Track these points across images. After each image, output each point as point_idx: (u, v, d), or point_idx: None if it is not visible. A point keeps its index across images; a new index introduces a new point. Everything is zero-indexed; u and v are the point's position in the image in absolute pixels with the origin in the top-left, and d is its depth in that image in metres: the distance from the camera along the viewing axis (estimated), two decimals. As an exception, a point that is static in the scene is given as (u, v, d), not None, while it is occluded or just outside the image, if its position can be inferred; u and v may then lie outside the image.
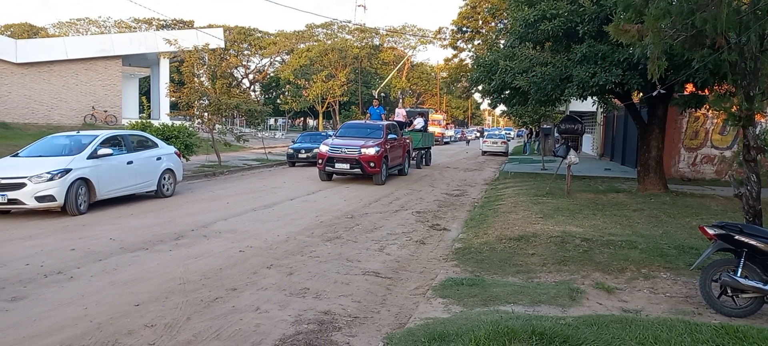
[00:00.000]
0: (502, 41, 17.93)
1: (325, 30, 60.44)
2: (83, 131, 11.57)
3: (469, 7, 37.87)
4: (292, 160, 20.74)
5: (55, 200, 9.22)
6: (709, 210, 10.05)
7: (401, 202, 12.00)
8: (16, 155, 10.57)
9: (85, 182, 9.76)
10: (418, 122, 21.81)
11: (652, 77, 6.09)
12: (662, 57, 5.92)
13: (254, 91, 61.60)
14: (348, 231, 8.61)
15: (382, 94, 52.20)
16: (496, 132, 46.39)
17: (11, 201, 9.06)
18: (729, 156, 15.49)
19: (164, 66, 31.80)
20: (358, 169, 14.69)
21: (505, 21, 23.99)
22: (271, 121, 60.71)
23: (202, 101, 19.53)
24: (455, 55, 43.22)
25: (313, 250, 7.30)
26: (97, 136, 10.67)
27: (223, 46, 37.92)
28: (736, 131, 14.73)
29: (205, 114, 19.55)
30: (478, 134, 61.06)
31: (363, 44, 59.05)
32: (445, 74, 57.23)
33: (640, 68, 10.25)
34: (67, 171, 9.44)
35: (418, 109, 34.23)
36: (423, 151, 21.50)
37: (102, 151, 10.30)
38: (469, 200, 13.02)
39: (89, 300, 5.11)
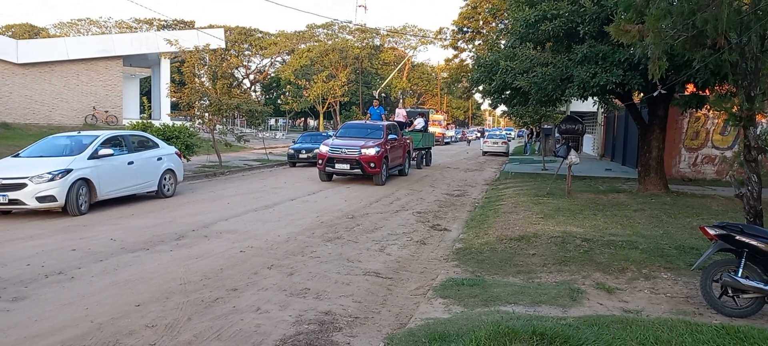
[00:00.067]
0: (503, 41, 17.93)
1: (325, 30, 60.49)
2: (84, 132, 11.58)
3: (469, 7, 37.89)
4: (293, 160, 20.75)
5: (56, 201, 9.22)
6: (710, 210, 10.05)
7: (402, 202, 12.00)
8: (17, 156, 10.58)
9: (85, 182, 9.76)
10: (419, 122, 21.81)
11: (652, 77, 6.09)
12: (663, 57, 5.92)
13: (255, 91, 61.64)
14: (349, 231, 8.61)
15: (383, 94, 52.21)
16: (497, 132, 46.41)
17: (12, 201, 9.06)
18: (730, 156, 15.48)
19: (165, 66, 31.83)
20: (359, 170, 14.69)
21: (506, 21, 24.00)
22: (272, 121, 60.78)
23: (202, 102, 19.54)
24: (456, 56, 43.27)
25: (314, 250, 7.31)
26: (97, 136, 10.68)
27: (223, 46, 37.95)
28: (736, 131, 14.73)
29: (206, 114, 19.56)
30: (479, 135, 61.07)
31: (363, 44, 59.08)
32: (445, 74, 57.29)
33: (640, 68, 10.24)
34: (68, 171, 9.44)
35: (419, 110, 34.23)
36: (423, 152, 21.50)
37: (103, 151, 10.30)
38: (470, 200, 13.02)
39: (90, 300, 5.12)
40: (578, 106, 23.64)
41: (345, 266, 6.58)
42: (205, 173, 16.74)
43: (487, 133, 46.54)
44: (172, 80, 31.52)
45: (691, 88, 11.85)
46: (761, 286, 4.73)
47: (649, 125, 12.67)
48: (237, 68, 57.89)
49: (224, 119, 20.85)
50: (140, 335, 4.33)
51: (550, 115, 25.04)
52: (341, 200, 11.93)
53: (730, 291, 4.87)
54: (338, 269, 6.43)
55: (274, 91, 61.94)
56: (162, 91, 29.60)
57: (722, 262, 5.07)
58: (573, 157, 11.97)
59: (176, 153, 12.75)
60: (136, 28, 56.65)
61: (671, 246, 6.91)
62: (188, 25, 56.18)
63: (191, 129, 17.30)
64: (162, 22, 56.01)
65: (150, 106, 33.11)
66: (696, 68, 8.16)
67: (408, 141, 18.45)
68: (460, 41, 40.68)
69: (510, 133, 58.25)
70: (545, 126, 27.82)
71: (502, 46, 15.51)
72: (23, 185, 9.05)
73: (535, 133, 34.81)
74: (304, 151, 20.44)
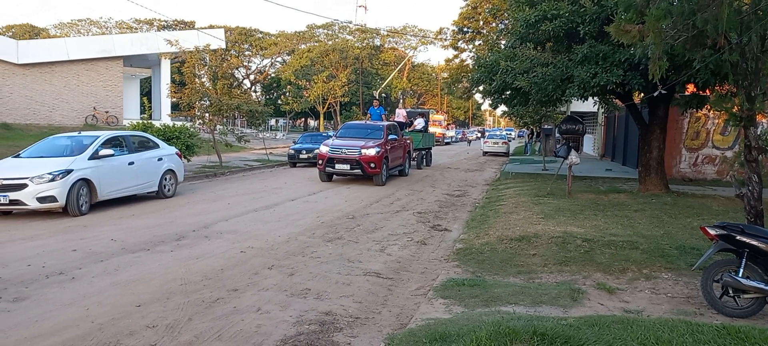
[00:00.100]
0: (503, 42, 17.92)
1: (325, 31, 60.49)
2: (84, 132, 11.59)
3: (469, 7, 37.91)
4: (293, 160, 20.76)
5: (57, 201, 9.23)
6: (711, 210, 10.04)
7: (402, 202, 12.00)
8: (17, 156, 10.59)
9: (86, 182, 9.77)
10: (419, 123, 21.82)
11: (653, 77, 6.09)
12: (663, 57, 5.92)
13: (255, 91, 61.66)
14: (349, 232, 8.61)
15: (383, 94, 52.23)
16: (497, 132, 46.40)
17: (13, 202, 9.07)
18: (730, 156, 15.48)
19: (165, 67, 31.84)
20: (359, 170, 14.68)
21: (506, 21, 24.01)
22: (272, 121, 60.76)
23: (203, 102, 19.54)
24: (456, 56, 43.28)
25: (315, 250, 7.31)
26: (98, 136, 10.68)
27: (224, 46, 37.97)
28: (737, 132, 14.73)
29: (206, 115, 19.57)
30: (479, 135, 61.05)
31: (364, 45, 59.09)
32: (445, 75, 57.32)
33: (641, 69, 10.24)
34: (69, 172, 9.45)
35: (419, 110, 34.24)
36: (424, 152, 21.50)
37: (103, 152, 10.31)
38: (470, 200, 13.02)
39: (91, 301, 5.12)
40: (578, 106, 23.65)
41: (345, 266, 6.58)
42: (205, 173, 16.74)
43: (487, 134, 46.54)
44: (173, 81, 31.51)
45: (691, 88, 11.86)
46: (762, 286, 4.73)
47: (650, 125, 12.66)
48: (237, 69, 57.91)
49: (224, 120, 20.88)
50: (141, 336, 4.33)
51: (550, 115, 25.04)
52: (342, 201, 11.93)
53: (730, 291, 4.87)
54: (339, 269, 6.43)
55: (274, 92, 61.94)
56: (162, 92, 29.61)
57: (723, 262, 5.07)
58: (573, 157, 11.97)
59: (177, 153, 12.76)
60: (136, 29, 56.67)
61: (672, 246, 6.91)
62: (188, 25, 56.21)
63: (191, 129, 17.31)
64: (162, 23, 56.03)
65: (150, 106, 33.02)
66: (696, 68, 8.16)
67: (408, 141, 18.45)
68: (461, 41, 40.70)
69: (510, 134, 58.26)
70: (545, 126, 27.81)
71: (503, 47, 15.50)
72: (24, 186, 9.06)
73: (535, 134, 34.81)
74: (304, 152, 20.45)
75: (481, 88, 14.32)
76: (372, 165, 14.50)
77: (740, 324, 4.25)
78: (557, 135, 23.75)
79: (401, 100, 54.22)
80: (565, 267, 6.32)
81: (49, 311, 4.84)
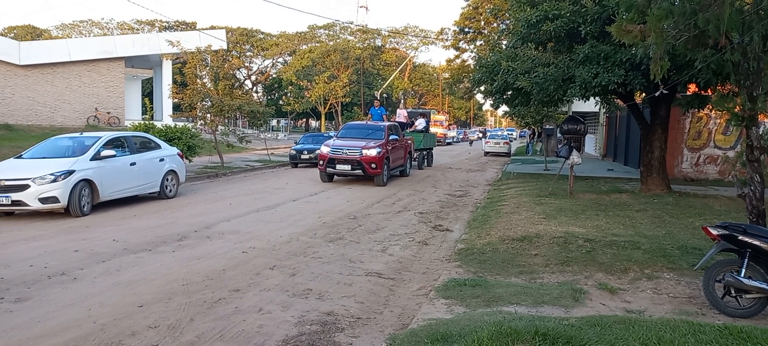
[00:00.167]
0: (505, 42, 17.91)
1: (327, 31, 60.53)
2: (86, 133, 11.61)
3: (471, 7, 37.90)
4: (295, 161, 20.76)
5: (59, 202, 9.25)
6: (713, 210, 10.03)
7: (404, 203, 12.00)
8: (19, 157, 10.61)
9: (88, 183, 9.78)
10: (420, 123, 21.82)
11: (654, 77, 6.09)
12: (665, 57, 5.91)
13: (257, 92, 61.70)
14: (350, 232, 8.62)
15: (384, 95, 52.23)
16: (499, 133, 46.40)
17: (15, 203, 9.09)
18: (732, 156, 15.43)
19: (167, 67, 31.87)
20: (360, 171, 14.67)
21: (508, 22, 23.99)
22: (274, 122, 60.75)
23: (204, 103, 19.56)
24: (457, 56, 43.26)
25: (316, 251, 7.31)
26: (100, 137, 10.70)
27: (225, 47, 37.95)
28: (739, 131, 14.70)
29: (208, 115, 19.58)
30: (481, 135, 61.05)
31: (365, 45, 59.10)
32: (447, 75, 57.27)
33: (642, 69, 10.24)
34: (71, 173, 9.47)
35: (420, 110, 34.24)
36: (425, 152, 21.49)
37: (105, 152, 10.32)
38: (472, 200, 13.01)
39: (93, 301, 5.13)
40: (580, 106, 23.63)
41: (347, 266, 6.58)
42: (207, 173, 16.76)
43: (488, 134, 46.52)
44: (174, 81, 31.53)
45: (693, 88, 11.83)
46: (764, 286, 4.72)
47: (651, 125, 12.65)
48: (239, 69, 57.90)
49: (226, 120, 20.88)
50: (143, 336, 4.34)
51: (551, 115, 25.07)
52: (343, 201, 11.94)
53: (733, 291, 4.86)
54: (340, 269, 6.43)
55: (275, 92, 61.98)
56: (164, 93, 29.65)
57: (725, 262, 5.06)
58: (575, 157, 11.96)
59: (178, 154, 12.77)
60: (137, 30, 56.77)
61: (674, 246, 6.90)
62: (190, 26, 56.28)
63: (193, 130, 17.33)
64: (164, 24, 56.12)
65: (152, 107, 33.02)
66: (698, 68, 8.15)
67: (409, 142, 18.44)
68: (462, 42, 40.69)
69: (512, 134, 58.23)
70: (547, 126, 27.80)
71: (504, 47, 15.49)
72: (26, 187, 9.08)
73: (537, 134, 34.80)
74: (306, 152, 20.45)
75: (482, 88, 14.32)
76: (373, 165, 14.50)
77: (742, 324, 4.25)
78: (559, 135, 23.75)
79: (402, 101, 54.22)
80: (567, 267, 6.31)
81: (51, 312, 4.85)
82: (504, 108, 18.37)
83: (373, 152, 14.55)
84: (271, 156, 23.62)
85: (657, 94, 10.08)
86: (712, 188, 14.04)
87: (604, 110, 23.22)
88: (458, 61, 43.25)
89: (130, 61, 31.15)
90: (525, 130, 46.85)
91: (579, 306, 5.01)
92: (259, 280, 5.92)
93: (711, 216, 9.17)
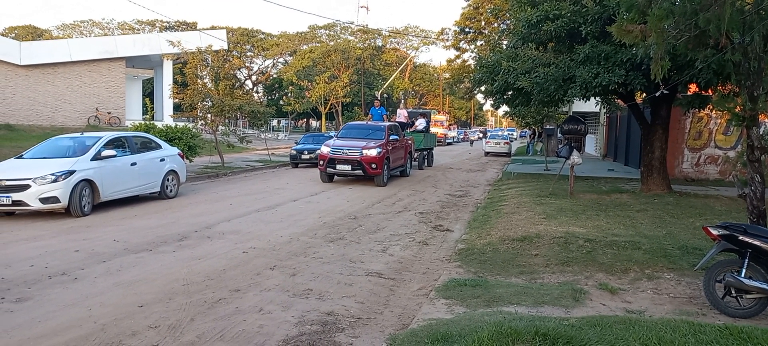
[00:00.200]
0: (505, 42, 17.91)
1: (327, 31, 60.55)
2: (87, 133, 11.61)
3: (471, 7, 37.87)
4: (295, 161, 20.77)
5: (59, 202, 9.25)
6: (713, 211, 10.02)
7: (404, 203, 12.00)
8: (20, 157, 10.62)
9: (88, 183, 9.79)
10: (420, 123, 21.82)
11: (655, 77, 6.08)
12: (665, 57, 5.91)
13: (257, 92, 61.70)
14: (351, 232, 8.62)
15: (385, 95, 52.25)
16: (499, 133, 46.41)
17: (16, 203, 9.10)
18: (733, 156, 15.44)
19: (167, 68, 31.88)
20: (360, 171, 14.66)
21: (508, 22, 23.98)
22: (274, 122, 60.84)
23: (205, 103, 19.57)
24: (458, 56, 43.23)
25: (317, 251, 7.31)
26: (100, 137, 10.70)
27: (226, 47, 37.95)
28: (739, 131, 14.69)
29: (209, 115, 19.60)
30: (481, 135, 61.07)
31: (365, 45, 59.12)
32: (447, 75, 57.21)
33: (643, 69, 10.23)
34: (71, 173, 9.47)
35: (420, 110, 34.23)
36: (425, 153, 21.49)
37: (106, 152, 10.33)
38: (472, 200, 13.01)
39: (93, 301, 5.13)
40: (580, 106, 23.62)
41: (347, 266, 6.58)
42: (207, 174, 16.77)
43: (489, 134, 46.55)
44: (175, 81, 31.57)
45: (693, 88, 11.83)
46: (765, 286, 4.72)
47: (652, 125, 12.64)
48: (239, 69, 57.92)
49: (227, 120, 20.89)
50: (143, 336, 4.34)
51: (552, 115, 25.05)
52: (343, 201, 11.94)
53: (733, 291, 4.86)
54: (341, 269, 6.43)
55: (276, 92, 61.99)
56: (164, 93, 29.68)
57: (725, 262, 5.06)
58: (575, 157, 11.96)
59: (179, 154, 12.78)
60: (138, 30, 56.81)
61: (674, 246, 6.90)
62: (190, 26, 56.31)
63: (194, 130, 17.34)
64: (164, 24, 56.14)
65: (152, 107, 33.06)
66: (699, 68, 8.14)
67: (410, 142, 18.43)
68: (462, 42, 40.66)
69: (512, 134, 58.22)
70: (548, 126, 27.79)
71: (504, 47, 15.49)
72: (27, 187, 9.08)
73: (537, 134, 34.79)
74: (306, 152, 20.45)
75: (482, 88, 14.32)
76: (373, 166, 14.49)
77: (743, 324, 4.25)
78: (559, 135, 23.75)
79: (403, 101, 54.25)
80: (567, 267, 6.31)
81: (51, 312, 4.85)
82: (504, 108, 18.37)
83: (373, 152, 14.54)
84: (272, 156, 23.63)
85: (658, 94, 10.07)
86: (713, 188, 14.03)
87: (605, 110, 23.21)
88: (459, 61, 43.22)
89: (131, 62, 31.17)
90: (525, 130, 46.83)
91: (579, 306, 5.01)
92: (260, 280, 5.92)
93: (711, 216, 9.16)
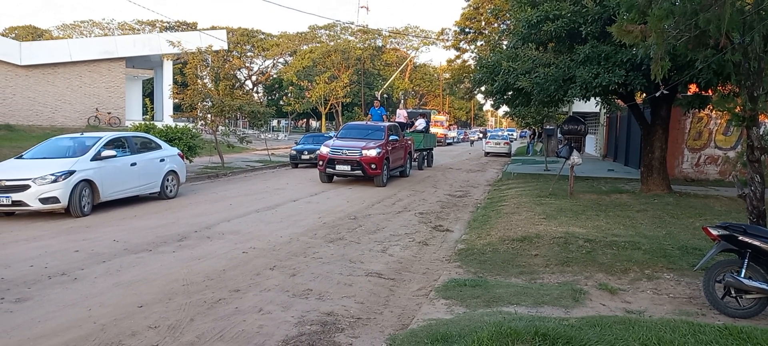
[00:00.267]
0: (505, 42, 17.92)
1: (327, 32, 60.55)
2: (87, 133, 11.61)
3: (471, 8, 37.88)
4: (295, 161, 20.77)
5: (59, 202, 9.25)
6: (713, 211, 10.02)
7: (404, 203, 12.00)
8: (20, 157, 10.62)
9: (88, 183, 9.79)
10: (420, 123, 21.81)
11: (655, 78, 6.08)
12: (665, 57, 5.91)
13: (257, 92, 61.71)
14: (351, 232, 8.62)
15: (385, 95, 52.25)
16: (499, 133, 46.43)
17: (15, 203, 9.09)
18: (733, 156, 15.44)
19: (167, 68, 31.88)
20: (359, 171, 14.66)
21: (508, 22, 23.98)
22: (274, 122, 60.84)
23: (205, 103, 19.58)
24: (458, 56, 43.23)
25: (316, 251, 7.31)
26: (100, 138, 10.70)
27: (226, 47, 37.94)
28: (739, 132, 14.69)
29: (209, 116, 19.60)
30: (481, 135, 61.06)
31: (366, 46, 59.12)
32: (447, 75, 57.23)
33: (643, 69, 10.23)
34: (71, 173, 9.47)
35: (420, 110, 34.26)
36: (425, 153, 21.48)
37: (105, 153, 10.33)
38: (472, 201, 13.01)
39: (93, 301, 5.13)
40: (580, 106, 23.60)
41: (347, 266, 6.58)
42: (207, 174, 16.77)
43: (489, 134, 46.57)
44: (175, 82, 31.57)
45: (693, 88, 11.83)
46: (764, 286, 4.72)
47: (652, 126, 12.65)
48: (239, 69, 57.91)
49: (226, 121, 20.89)
50: (143, 336, 4.34)
51: (552, 115, 25.04)
52: (343, 201, 11.94)
53: (733, 292, 4.86)
54: (340, 269, 6.43)
55: (276, 93, 61.98)
56: (164, 93, 29.68)
57: (725, 262, 5.06)
58: (575, 157, 11.96)
59: (179, 154, 12.78)
60: (138, 30, 56.83)
61: (674, 247, 6.90)
62: (191, 26, 56.33)
63: (194, 130, 17.34)
64: (164, 24, 56.15)
65: (152, 107, 33.07)
66: (699, 68, 8.14)
67: (409, 142, 18.43)
68: (463, 42, 40.67)
69: (512, 134, 58.23)
70: (548, 126, 27.79)
71: (505, 47, 15.49)
72: (26, 187, 9.08)
73: (537, 134, 34.79)
74: (306, 153, 20.45)
75: (483, 88, 14.32)
76: (373, 166, 14.49)
77: (742, 324, 4.24)
78: (559, 135, 23.74)
79: (402, 101, 54.23)
80: (567, 268, 6.31)
81: (51, 312, 4.85)
82: (504, 108, 18.38)
83: (372, 153, 14.54)
84: (272, 156, 23.63)
85: (658, 94, 10.07)
86: (713, 189, 14.03)
87: (605, 111, 23.20)
88: (459, 61, 43.23)
89: (131, 62, 31.17)
90: (525, 130, 46.82)
91: (579, 306, 5.01)
92: (260, 280, 5.92)
93: (711, 216, 9.16)
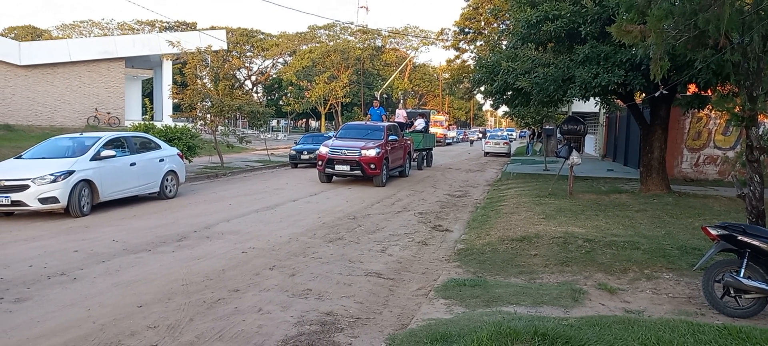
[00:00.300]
0: (505, 42, 17.93)
1: (327, 32, 60.55)
2: (86, 133, 11.61)
3: (471, 8, 37.92)
4: (295, 161, 20.76)
5: (59, 202, 9.25)
6: (712, 211, 10.03)
7: (403, 203, 12.00)
8: (19, 157, 10.62)
9: (88, 183, 9.79)
10: (419, 123, 21.81)
11: (654, 78, 6.09)
12: (665, 57, 5.91)
13: (257, 92, 61.71)
14: (350, 232, 8.62)
15: (384, 95, 52.27)
16: (499, 133, 46.45)
17: (15, 203, 9.09)
18: (732, 156, 15.45)
19: (167, 68, 31.87)
20: (359, 171, 14.65)
21: (508, 22, 24.00)
22: (274, 122, 60.78)
23: (204, 103, 19.56)
24: (457, 56, 43.30)
25: (316, 251, 7.31)
26: (100, 138, 10.70)
27: (225, 47, 37.95)
28: (739, 132, 14.70)
29: (208, 116, 19.58)
30: (481, 135, 61.05)
31: (365, 46, 59.12)
32: (447, 75, 57.31)
33: (642, 69, 10.24)
34: (70, 173, 9.47)
35: (420, 110, 34.26)
36: (424, 153, 21.48)
37: (105, 152, 10.32)
38: (472, 201, 13.01)
39: (92, 301, 5.13)
40: (580, 106, 23.62)
41: (347, 266, 6.58)
42: (207, 174, 16.76)
43: (488, 134, 46.57)
44: (174, 82, 31.54)
45: (693, 88, 11.84)
46: (763, 286, 4.72)
47: (651, 126, 12.65)
48: (239, 69, 57.90)
49: (226, 120, 20.89)
50: (142, 336, 4.34)
51: (551, 115, 25.04)
52: (343, 201, 11.94)
53: (732, 291, 4.86)
54: (340, 269, 6.43)
55: (275, 93, 61.99)
56: (164, 93, 29.66)
57: (724, 262, 5.06)
58: (575, 157, 11.97)
59: (178, 154, 12.78)
60: (138, 30, 56.79)
61: (673, 246, 6.90)
62: (190, 26, 56.30)
63: (193, 130, 17.34)
64: (164, 24, 56.13)
65: (152, 107, 33.06)
66: (698, 68, 8.15)
67: (409, 142, 18.42)
68: (462, 42, 40.72)
69: (512, 134, 58.24)
70: (547, 126, 27.80)
71: (504, 47, 15.50)
72: (26, 187, 9.08)
73: (536, 134, 34.80)
74: (305, 153, 20.44)
75: (482, 88, 14.32)
76: (372, 166, 14.48)
77: (742, 324, 4.25)
78: (559, 135, 23.73)
79: (401, 101, 54.26)
80: (567, 267, 6.31)
81: (50, 312, 4.85)
82: (504, 108, 18.38)
83: (372, 153, 14.53)
84: (271, 156, 23.62)
85: (657, 94, 10.08)
86: (712, 189, 14.04)
87: (604, 111, 23.22)
88: (458, 61, 43.29)
89: (131, 62, 31.16)
90: (525, 130, 46.85)
91: (578, 306, 5.01)
92: (259, 280, 5.92)
93: (710, 216, 9.17)
